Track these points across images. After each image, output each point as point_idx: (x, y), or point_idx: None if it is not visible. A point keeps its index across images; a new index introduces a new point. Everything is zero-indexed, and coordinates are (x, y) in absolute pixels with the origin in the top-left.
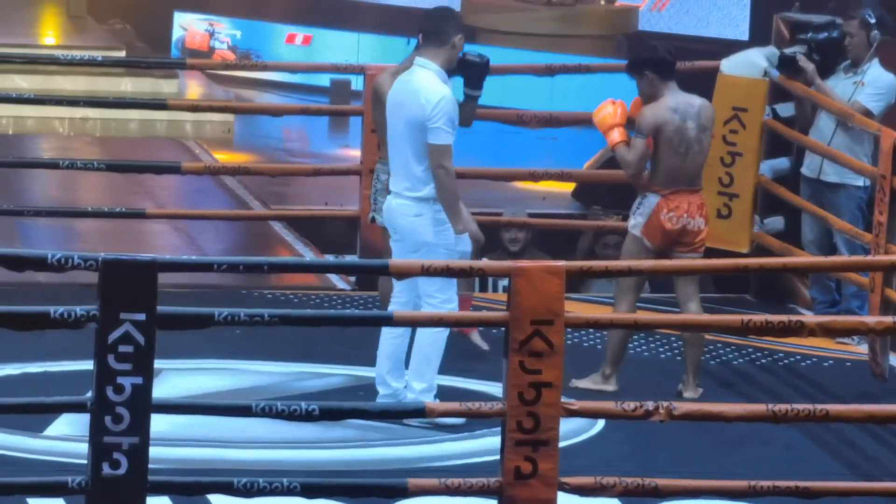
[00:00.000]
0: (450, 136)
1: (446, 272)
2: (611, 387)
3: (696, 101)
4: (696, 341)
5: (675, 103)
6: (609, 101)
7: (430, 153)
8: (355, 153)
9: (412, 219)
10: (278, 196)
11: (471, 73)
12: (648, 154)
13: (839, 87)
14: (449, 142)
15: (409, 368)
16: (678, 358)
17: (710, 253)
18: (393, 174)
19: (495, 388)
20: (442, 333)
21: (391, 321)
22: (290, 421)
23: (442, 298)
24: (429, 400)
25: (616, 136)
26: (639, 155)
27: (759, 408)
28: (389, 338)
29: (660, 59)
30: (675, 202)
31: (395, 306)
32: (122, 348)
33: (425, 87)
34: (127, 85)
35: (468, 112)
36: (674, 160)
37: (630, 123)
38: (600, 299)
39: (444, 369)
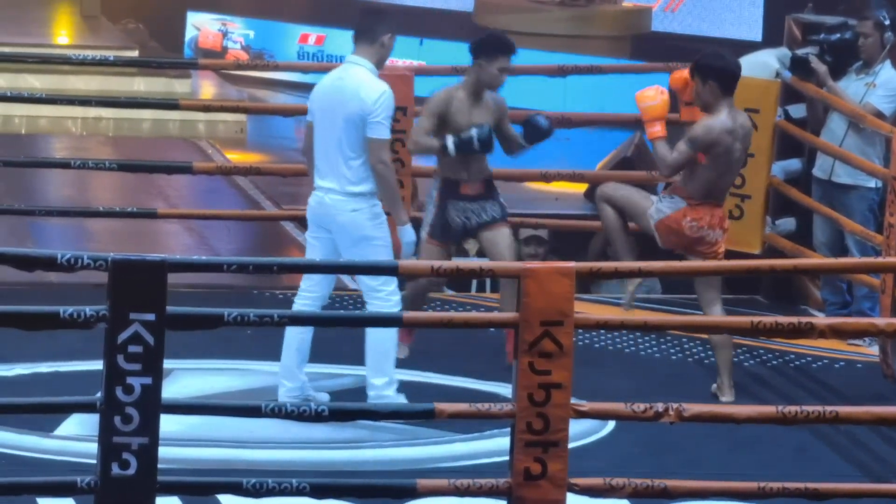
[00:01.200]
0: (388, 131)
1: (456, 273)
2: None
3: (746, 121)
4: (722, 343)
5: (733, 124)
6: (658, 88)
7: (369, 148)
8: None
9: (350, 214)
10: (290, 196)
11: (533, 134)
12: (688, 162)
13: (851, 88)
14: (388, 136)
15: (367, 365)
16: (689, 360)
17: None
18: (324, 171)
19: (504, 389)
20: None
21: (400, 322)
22: (299, 421)
23: (387, 291)
24: (391, 393)
25: (658, 130)
26: (680, 164)
27: (770, 409)
28: (298, 331)
29: (729, 72)
30: (700, 213)
31: (304, 302)
32: (132, 348)
33: (364, 83)
34: (140, 85)
35: (512, 149)
36: (712, 176)
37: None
38: (610, 300)
39: (452, 370)
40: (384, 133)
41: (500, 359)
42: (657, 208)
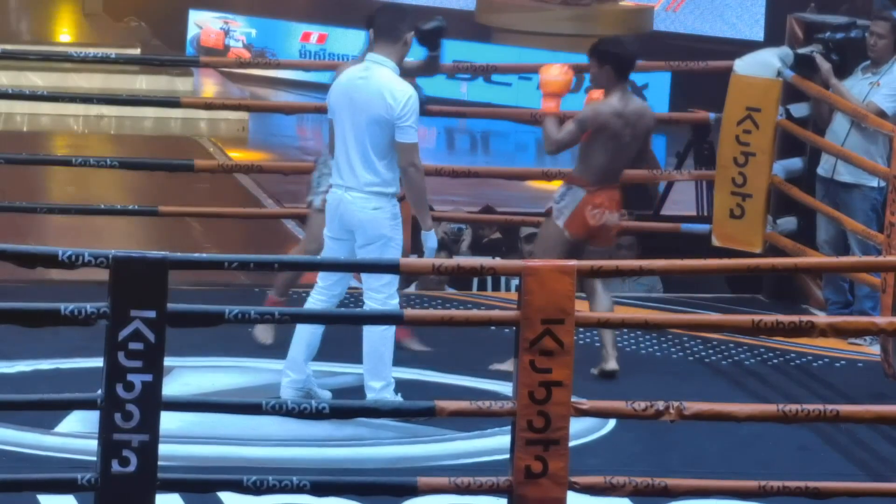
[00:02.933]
0: (417, 134)
1: (457, 271)
2: (613, 365)
3: (639, 108)
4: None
5: (623, 108)
6: (564, 68)
7: (400, 151)
8: None
9: (371, 212)
10: (292, 194)
11: (430, 39)
12: (572, 142)
13: (856, 87)
14: (417, 140)
15: (364, 369)
16: (690, 358)
17: (723, 253)
18: (345, 168)
19: (504, 387)
20: (390, 330)
21: (402, 320)
22: (300, 419)
23: (388, 294)
24: (390, 396)
25: (552, 106)
26: (566, 142)
27: (770, 408)
28: (310, 327)
29: (624, 58)
30: (600, 199)
31: (319, 298)
32: (133, 345)
33: (390, 85)
34: (142, 83)
35: (430, 68)
36: (604, 159)
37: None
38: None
39: (453, 368)
40: (413, 137)
41: (501, 357)
42: (558, 209)
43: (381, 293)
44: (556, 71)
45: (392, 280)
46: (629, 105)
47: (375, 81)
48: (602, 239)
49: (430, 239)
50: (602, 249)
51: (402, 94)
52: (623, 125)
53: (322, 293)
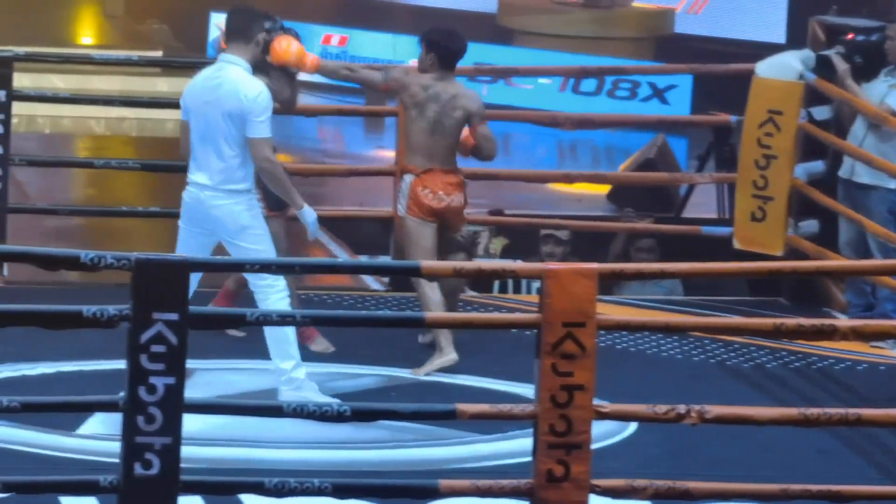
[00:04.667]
0: (269, 129)
1: (478, 274)
2: (452, 355)
3: (456, 91)
4: (452, 297)
5: (430, 83)
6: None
7: (253, 147)
8: (390, 154)
9: (227, 208)
10: (313, 196)
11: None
12: (368, 83)
13: (875, 89)
14: (270, 134)
15: (271, 352)
16: (711, 361)
17: (744, 256)
18: (201, 168)
19: (526, 390)
20: (284, 304)
21: (423, 322)
22: (321, 421)
23: (279, 287)
24: (301, 375)
25: (311, 58)
26: (364, 78)
27: (792, 411)
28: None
29: (449, 51)
30: (428, 181)
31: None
32: (155, 348)
33: (243, 82)
34: (163, 85)
35: (293, 93)
36: (419, 139)
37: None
38: (633, 302)
39: (474, 370)
40: (265, 132)
41: (522, 360)
42: (400, 203)
43: (264, 279)
44: (288, 48)
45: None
46: (441, 83)
47: (228, 80)
48: (453, 223)
49: (307, 214)
50: (455, 235)
51: (254, 90)
52: (427, 99)
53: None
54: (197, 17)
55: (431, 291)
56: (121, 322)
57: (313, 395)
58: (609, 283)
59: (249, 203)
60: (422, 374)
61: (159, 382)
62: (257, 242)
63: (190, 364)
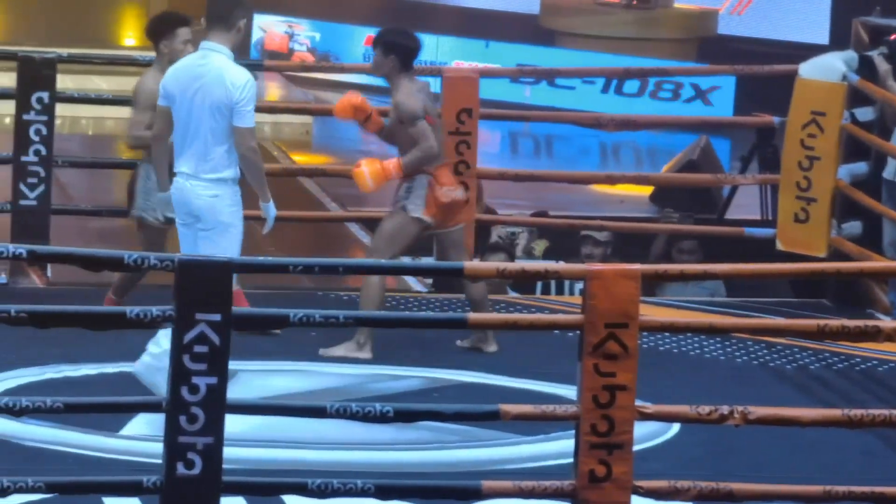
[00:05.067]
0: (253, 119)
1: (521, 275)
2: (366, 354)
3: (423, 83)
4: (481, 300)
5: (420, 86)
6: (363, 166)
7: (238, 135)
8: None
9: (210, 199)
10: (355, 198)
11: None
12: (430, 128)
13: None
14: (254, 124)
15: (159, 336)
16: (754, 362)
17: (788, 257)
18: (185, 156)
19: (568, 391)
20: None
21: (465, 324)
22: (364, 422)
23: None
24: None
25: (390, 167)
26: (429, 134)
27: (835, 412)
28: None
29: (409, 48)
30: (442, 177)
31: None
32: (198, 349)
33: (228, 71)
34: None
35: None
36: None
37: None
38: (675, 303)
39: (517, 372)
40: (251, 121)
41: (565, 361)
42: (411, 204)
43: None
44: (367, 175)
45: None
46: (421, 85)
47: (214, 68)
48: (455, 217)
49: (270, 209)
50: (456, 228)
51: (240, 79)
52: (426, 98)
53: None
54: None
55: (375, 290)
56: (164, 323)
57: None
58: (651, 285)
59: (233, 198)
60: (328, 355)
61: (202, 383)
62: (226, 239)
63: (232, 365)
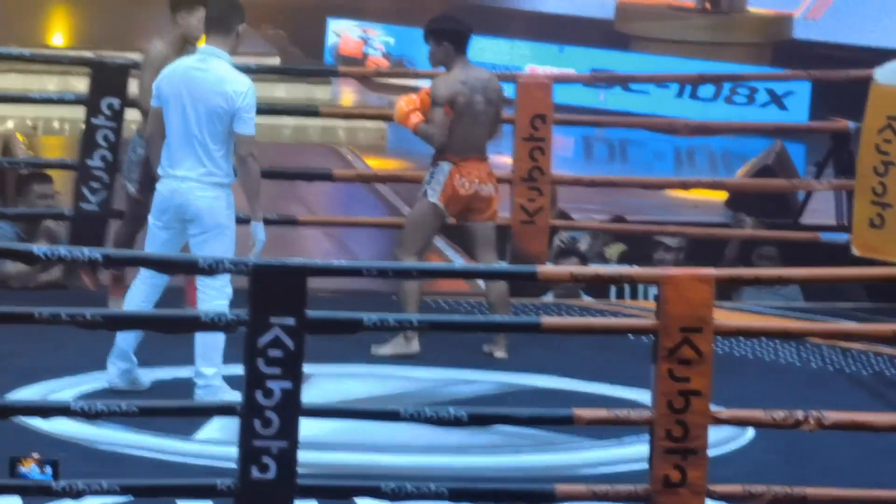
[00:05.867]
0: (254, 126)
1: (595, 279)
2: (414, 348)
3: (484, 74)
4: (501, 303)
5: (466, 77)
6: (405, 99)
7: (240, 142)
8: (507, 160)
9: (210, 201)
10: None
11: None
12: (448, 120)
13: None
14: (254, 131)
15: (196, 354)
16: (829, 368)
17: (863, 262)
18: (180, 158)
19: (643, 396)
20: (225, 306)
21: (539, 328)
22: (438, 426)
23: (223, 282)
24: (218, 383)
25: (414, 118)
26: (440, 124)
27: None
28: (135, 310)
29: (460, 32)
30: (467, 169)
31: (143, 287)
32: (272, 352)
33: (229, 77)
34: (280, 91)
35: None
36: (463, 130)
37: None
38: (751, 308)
39: (590, 376)
40: (252, 129)
41: (639, 365)
42: (430, 189)
43: (216, 279)
44: (397, 105)
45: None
46: (472, 74)
47: (214, 73)
48: (480, 212)
49: (259, 231)
50: (485, 224)
51: (242, 86)
52: (471, 92)
53: (147, 281)
54: (314, 22)
55: (411, 287)
56: (238, 326)
57: (229, 396)
58: (727, 290)
59: (229, 200)
60: (379, 353)
61: (276, 386)
62: (223, 242)
63: (306, 369)
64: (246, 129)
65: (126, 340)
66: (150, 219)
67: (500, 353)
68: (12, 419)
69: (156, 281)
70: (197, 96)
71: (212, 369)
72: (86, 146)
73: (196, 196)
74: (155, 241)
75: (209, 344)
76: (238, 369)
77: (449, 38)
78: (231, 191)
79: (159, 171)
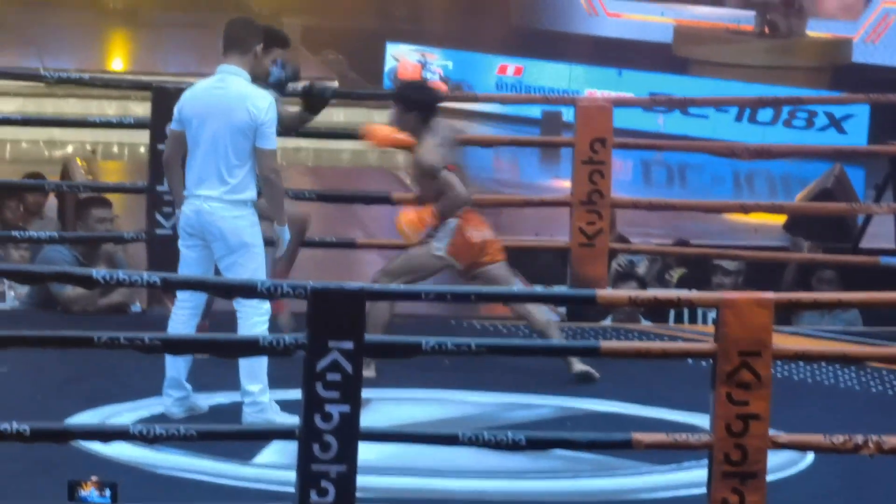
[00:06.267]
0: (275, 140)
1: (654, 303)
2: (370, 373)
3: (450, 130)
4: (546, 328)
5: (441, 139)
6: (401, 219)
7: (261, 157)
8: (566, 184)
9: (232, 220)
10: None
11: (313, 103)
12: (456, 177)
13: None
14: (276, 146)
15: (241, 373)
16: (889, 392)
17: None
18: (202, 178)
19: (701, 420)
20: (262, 328)
21: (598, 352)
22: (496, 451)
23: (256, 303)
24: (266, 400)
25: (429, 215)
26: (454, 182)
27: None
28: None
29: (427, 103)
30: (471, 220)
31: (182, 312)
32: (331, 376)
33: (249, 94)
34: (340, 115)
35: (296, 123)
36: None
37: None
38: (810, 332)
39: (649, 400)
40: (273, 143)
41: (698, 390)
42: (437, 242)
43: (251, 302)
44: (410, 223)
45: None
46: (440, 134)
47: (234, 91)
48: (487, 255)
49: (284, 233)
50: (499, 264)
51: (263, 101)
52: (450, 152)
53: (184, 305)
54: (373, 47)
55: (381, 312)
56: (296, 350)
57: (276, 417)
58: (785, 314)
59: (252, 218)
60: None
61: (335, 410)
62: (253, 261)
63: (365, 393)
64: (268, 143)
65: (176, 369)
66: (179, 243)
67: (578, 367)
68: (72, 443)
69: (194, 303)
70: (218, 114)
71: (258, 386)
72: (154, 171)
73: (220, 216)
74: (185, 262)
75: (254, 362)
76: (295, 393)
77: (417, 109)
78: (255, 209)
79: (184, 192)
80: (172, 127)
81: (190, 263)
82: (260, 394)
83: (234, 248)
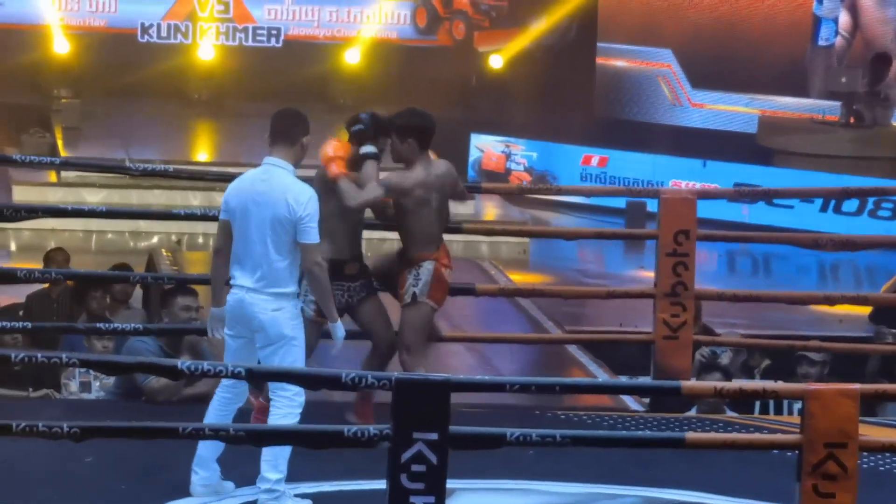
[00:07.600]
0: (318, 234)
1: (739, 394)
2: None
3: (442, 168)
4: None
5: (426, 175)
6: (330, 146)
7: (304, 251)
8: (650, 275)
9: (272, 313)
10: (573, 316)
11: (362, 135)
12: (377, 205)
13: None
14: (318, 239)
15: (263, 458)
16: None
17: None
18: (245, 270)
19: None
20: (293, 420)
21: (683, 443)
22: None
23: (295, 391)
24: (281, 488)
25: (335, 168)
26: (369, 201)
27: None
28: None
29: (425, 129)
30: (443, 258)
31: (225, 393)
32: (415, 468)
33: (291, 187)
34: None
35: (371, 170)
36: (429, 226)
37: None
38: (893, 422)
39: (735, 491)
40: (315, 237)
41: (784, 481)
42: (417, 290)
43: (288, 389)
44: (326, 146)
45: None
46: (432, 172)
47: (277, 184)
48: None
49: (338, 329)
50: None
51: (303, 195)
52: (427, 192)
53: (229, 389)
54: (458, 138)
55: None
56: (381, 442)
57: (291, 503)
58: (870, 405)
59: (294, 311)
60: None
61: (419, 502)
62: (291, 353)
63: (450, 484)
64: (309, 238)
65: (207, 447)
66: (226, 329)
67: None
68: None
69: (239, 388)
70: (261, 207)
71: (277, 475)
72: None
73: (261, 308)
74: (229, 351)
75: (277, 450)
76: (380, 483)
77: (415, 135)
78: (297, 301)
79: (231, 281)
80: (221, 217)
81: (233, 352)
82: (277, 483)
83: (272, 339)
